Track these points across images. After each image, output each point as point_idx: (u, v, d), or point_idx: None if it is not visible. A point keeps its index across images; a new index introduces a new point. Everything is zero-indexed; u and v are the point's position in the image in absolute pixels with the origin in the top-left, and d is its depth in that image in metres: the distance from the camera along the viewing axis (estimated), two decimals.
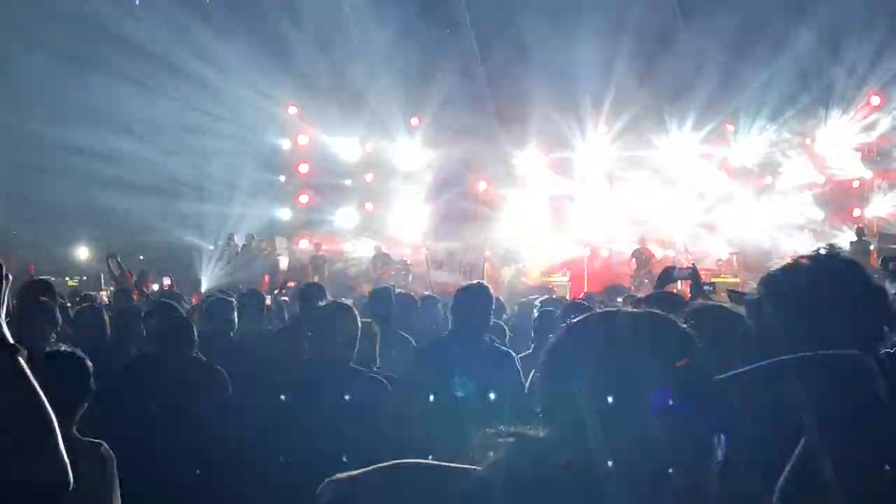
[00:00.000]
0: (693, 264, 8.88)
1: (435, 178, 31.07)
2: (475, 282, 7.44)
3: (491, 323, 7.24)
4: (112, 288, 19.91)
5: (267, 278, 26.72)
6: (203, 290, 25.53)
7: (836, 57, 25.96)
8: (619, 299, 11.61)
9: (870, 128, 27.73)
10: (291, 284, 21.69)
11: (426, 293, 14.47)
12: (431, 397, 6.19)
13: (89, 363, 4.64)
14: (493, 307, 7.17)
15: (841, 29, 24.47)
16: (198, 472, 6.10)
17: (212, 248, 28.75)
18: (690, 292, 7.54)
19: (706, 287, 8.26)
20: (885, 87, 26.84)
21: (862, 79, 26.66)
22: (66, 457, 2.48)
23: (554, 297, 16.36)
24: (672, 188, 29.48)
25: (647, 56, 26.46)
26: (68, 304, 10.83)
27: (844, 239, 25.95)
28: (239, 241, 28.49)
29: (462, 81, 28.23)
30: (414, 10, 25.14)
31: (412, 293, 12.14)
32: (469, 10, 25.20)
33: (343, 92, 29.06)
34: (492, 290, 7.19)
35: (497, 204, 30.17)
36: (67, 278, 24.20)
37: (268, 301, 13.73)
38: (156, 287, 22.67)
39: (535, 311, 9.43)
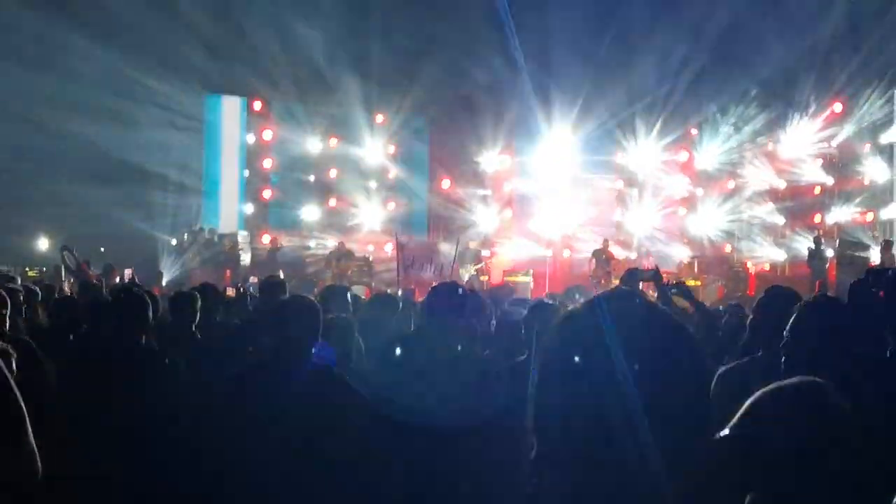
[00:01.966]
0: (656, 266, 8.95)
1: (398, 175, 31.11)
2: (449, 280, 7.37)
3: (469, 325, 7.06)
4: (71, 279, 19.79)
5: (228, 272, 26.67)
6: (164, 283, 25.46)
7: (800, 64, 26.16)
8: (580, 299, 11.71)
9: (831, 135, 27.98)
10: (254, 279, 21.66)
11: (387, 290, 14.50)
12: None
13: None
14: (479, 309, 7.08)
15: (804, 37, 24.64)
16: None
17: (174, 241, 28.64)
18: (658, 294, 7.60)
19: (672, 289, 8.31)
20: (847, 95, 27.08)
21: (825, 86, 26.89)
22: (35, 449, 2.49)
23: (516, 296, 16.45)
24: (635, 191, 29.68)
25: (614, 60, 26.57)
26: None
27: (804, 244, 26.21)
28: (201, 234, 28.39)
29: (427, 80, 28.23)
30: (381, 7, 25.13)
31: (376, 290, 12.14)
32: (435, 10, 25.19)
33: (308, 88, 29.01)
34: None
35: (461, 202, 30.22)
36: (28, 269, 24.01)
37: (230, 292, 13.71)
38: (117, 279, 22.60)
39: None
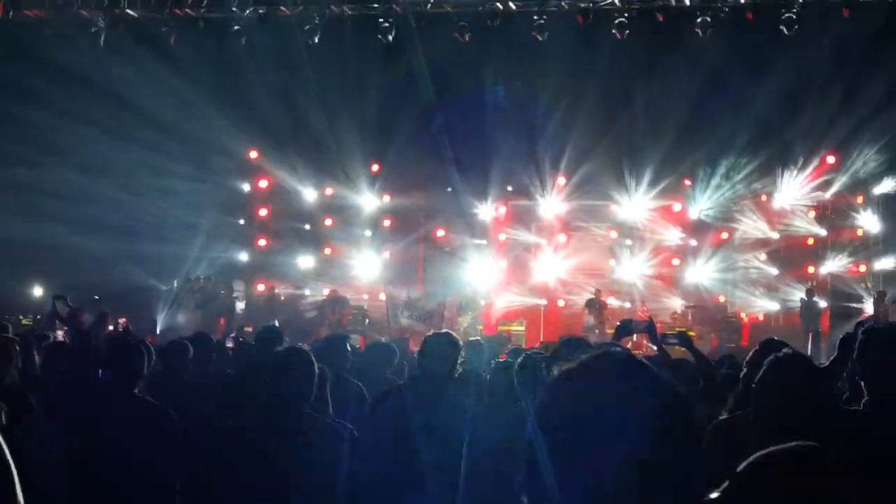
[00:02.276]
0: (650, 317, 8.95)
1: (393, 224, 31.18)
2: (443, 330, 7.37)
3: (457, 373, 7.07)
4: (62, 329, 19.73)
5: (223, 321, 26.66)
6: (159, 331, 25.43)
7: (793, 116, 26.31)
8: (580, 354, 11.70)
9: (824, 186, 28.09)
10: (248, 329, 21.64)
11: (382, 339, 14.51)
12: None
13: None
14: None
15: (798, 88, 24.80)
16: None
17: (168, 289, 28.60)
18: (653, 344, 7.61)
19: (674, 339, 8.33)
20: (840, 146, 27.23)
21: (817, 138, 27.04)
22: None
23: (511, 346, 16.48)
24: (629, 241, 29.76)
25: (607, 111, 26.71)
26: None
27: (798, 295, 26.27)
28: (196, 283, 28.37)
29: (422, 130, 28.37)
30: (376, 59, 25.27)
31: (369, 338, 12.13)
32: (431, 63, 25.36)
33: (304, 137, 29.11)
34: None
35: (456, 251, 30.27)
36: (22, 317, 23.95)
37: (229, 343, 13.70)
38: (111, 328, 22.54)
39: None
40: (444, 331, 7.32)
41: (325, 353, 8.29)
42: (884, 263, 27.01)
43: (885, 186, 27.26)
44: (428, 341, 6.99)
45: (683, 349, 8.05)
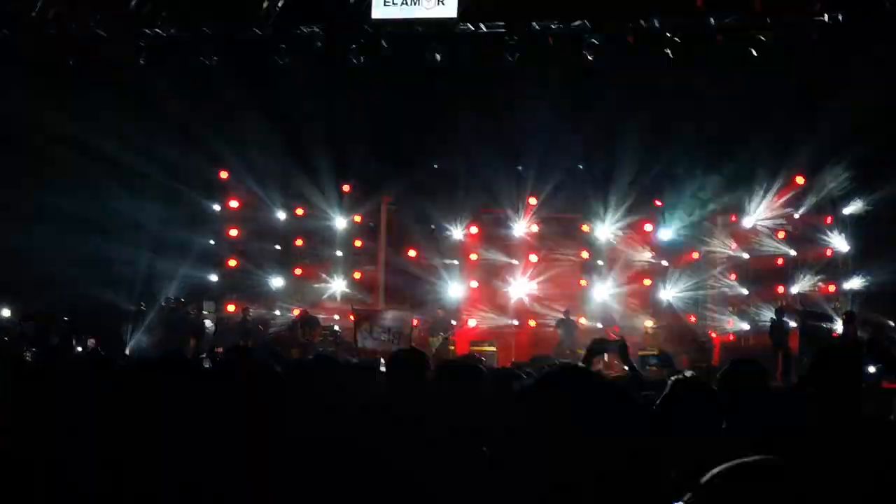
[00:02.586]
0: (622, 337, 8.98)
1: (364, 245, 31.17)
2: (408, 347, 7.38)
3: None
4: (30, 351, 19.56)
5: (193, 342, 26.54)
6: (128, 351, 25.29)
7: (763, 137, 26.47)
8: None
9: (794, 207, 28.25)
10: (219, 350, 21.55)
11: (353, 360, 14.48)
12: None
13: None
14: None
15: (767, 109, 24.97)
16: None
17: (138, 309, 28.42)
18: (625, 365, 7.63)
19: (654, 360, 8.36)
20: (809, 167, 27.41)
21: (787, 159, 27.22)
22: None
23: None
24: (600, 261, 29.83)
25: (581, 133, 26.79)
26: None
27: (769, 315, 26.37)
28: (166, 303, 28.23)
29: (395, 150, 28.43)
30: (347, 79, 25.27)
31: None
32: (405, 85, 25.44)
33: (275, 157, 29.07)
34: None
35: (427, 271, 30.26)
36: None
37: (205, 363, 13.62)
38: (80, 349, 22.43)
39: None
40: (409, 347, 7.32)
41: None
42: (853, 283, 27.17)
43: (854, 207, 27.43)
44: (396, 356, 7.00)
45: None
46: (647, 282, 29.63)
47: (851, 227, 27.78)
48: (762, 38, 21.88)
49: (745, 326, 28.30)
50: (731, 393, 5.70)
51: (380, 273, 31.18)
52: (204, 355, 19.40)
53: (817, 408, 5.81)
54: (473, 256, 30.67)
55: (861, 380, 5.06)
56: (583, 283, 29.92)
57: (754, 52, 21.99)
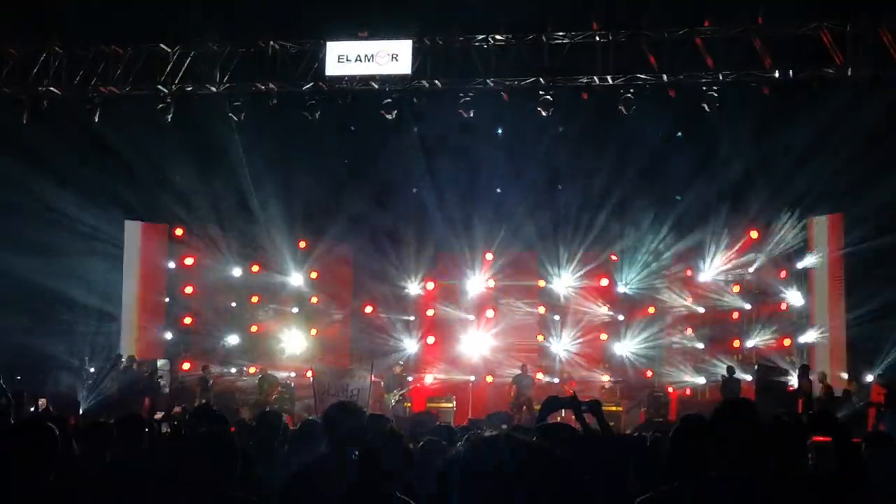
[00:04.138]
0: (573, 393, 8.95)
1: (321, 301, 31.07)
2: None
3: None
4: None
5: (147, 401, 26.26)
6: (81, 412, 24.97)
7: (716, 193, 26.74)
8: (504, 426, 11.71)
9: (748, 262, 28.49)
10: (177, 409, 21.36)
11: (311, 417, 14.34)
12: None
13: None
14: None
15: (720, 164, 25.25)
16: None
17: (92, 369, 28.12)
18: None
19: (584, 406, 8.29)
20: (763, 222, 27.71)
21: (741, 214, 27.51)
22: None
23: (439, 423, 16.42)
24: (557, 316, 29.88)
25: (536, 187, 26.96)
26: None
27: (724, 369, 26.45)
28: (119, 362, 27.92)
29: (352, 208, 28.48)
30: (303, 137, 25.33)
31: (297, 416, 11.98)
32: (360, 141, 25.58)
33: (229, 215, 29.01)
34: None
35: (384, 328, 30.21)
36: None
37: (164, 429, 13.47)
38: (31, 409, 22.13)
39: None
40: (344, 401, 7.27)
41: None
42: (808, 337, 27.36)
43: (808, 261, 27.70)
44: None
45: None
46: (603, 336, 29.70)
47: (805, 281, 28.03)
48: (714, 93, 22.11)
49: (702, 381, 28.38)
50: (682, 449, 5.70)
51: (337, 330, 31.06)
52: (161, 415, 19.26)
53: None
54: (430, 312, 30.64)
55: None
56: (539, 338, 29.94)
57: (707, 108, 22.20)
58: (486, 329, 30.00)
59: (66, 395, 25.90)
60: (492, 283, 30.10)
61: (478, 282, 30.02)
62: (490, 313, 30.11)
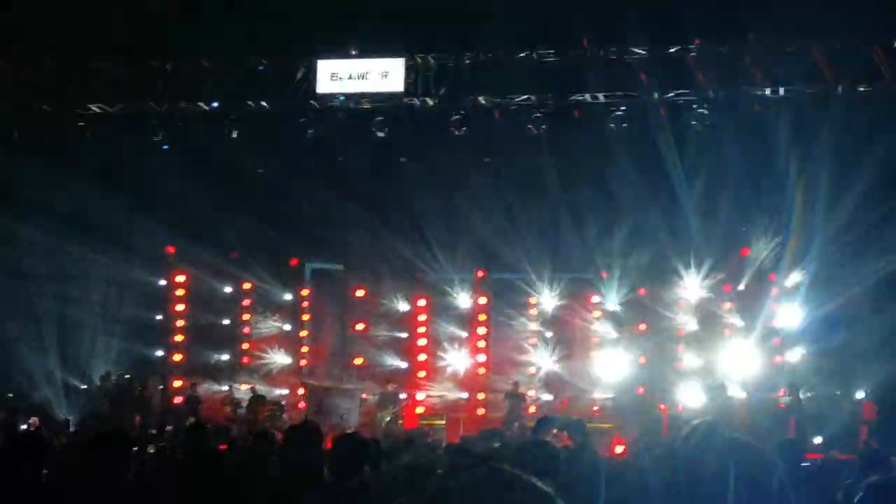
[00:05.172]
0: (566, 414, 8.98)
1: (312, 318, 31.00)
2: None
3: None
4: None
5: (138, 418, 26.20)
6: (72, 429, 24.91)
7: (710, 207, 26.67)
8: (496, 445, 11.69)
9: (737, 278, 28.47)
10: (168, 428, 21.34)
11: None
12: None
13: None
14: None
15: (717, 180, 25.20)
16: None
17: (84, 386, 28.09)
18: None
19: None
20: (752, 242, 27.73)
21: (731, 231, 27.54)
22: None
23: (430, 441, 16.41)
24: (550, 333, 29.77)
25: (526, 203, 26.93)
26: None
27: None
28: (111, 379, 27.86)
29: (342, 223, 28.47)
30: (297, 154, 25.41)
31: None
32: (350, 156, 25.64)
33: (222, 231, 28.94)
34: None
35: (376, 345, 30.15)
36: None
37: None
38: (24, 426, 22.08)
39: None
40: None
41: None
42: (795, 354, 27.33)
43: (795, 278, 27.67)
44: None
45: None
46: (595, 353, 29.60)
47: (795, 297, 28.00)
48: (705, 111, 22.19)
49: (694, 397, 28.28)
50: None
51: (328, 347, 31.01)
52: (154, 432, 19.26)
53: None
54: (422, 329, 30.55)
55: None
56: (532, 355, 29.81)
57: (697, 126, 22.27)
58: (478, 346, 29.92)
59: (59, 413, 25.89)
60: (483, 301, 30.04)
61: (471, 299, 29.97)
62: (482, 330, 30.03)
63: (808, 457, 7.04)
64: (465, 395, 29.23)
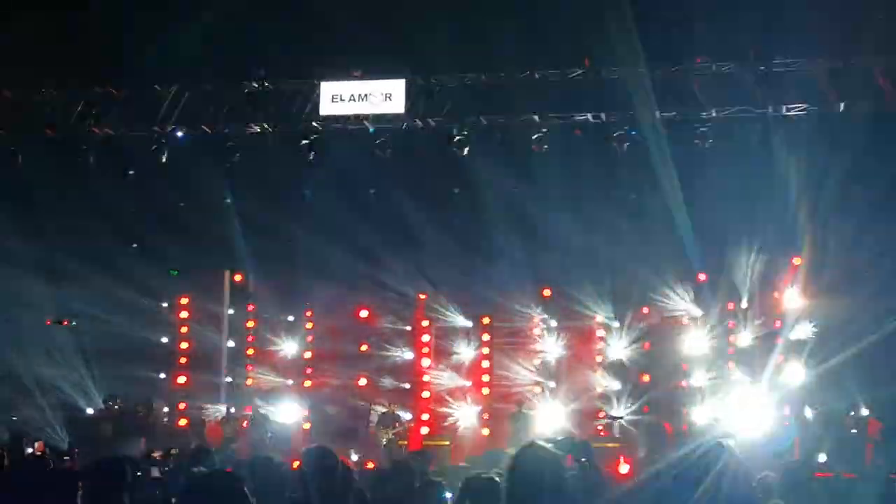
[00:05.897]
0: (585, 441, 8.94)
1: (315, 340, 30.84)
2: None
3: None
4: None
5: (143, 441, 26.17)
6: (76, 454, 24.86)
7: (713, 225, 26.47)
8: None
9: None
10: (174, 451, 21.29)
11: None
12: None
13: None
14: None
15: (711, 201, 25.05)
16: None
17: (89, 410, 28.06)
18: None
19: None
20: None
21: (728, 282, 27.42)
22: None
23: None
24: (553, 357, 29.41)
25: (521, 245, 26.61)
26: None
27: None
28: (115, 402, 27.82)
29: (347, 242, 28.41)
30: (299, 176, 25.48)
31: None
32: (353, 178, 25.64)
33: (225, 255, 28.92)
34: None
35: (380, 365, 30.04)
36: None
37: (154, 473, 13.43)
38: (29, 451, 22.05)
39: None
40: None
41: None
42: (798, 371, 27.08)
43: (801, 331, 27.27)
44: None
45: None
46: (599, 374, 29.32)
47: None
48: (706, 129, 22.20)
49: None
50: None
51: (332, 373, 30.81)
52: (159, 454, 19.22)
53: None
54: (425, 350, 30.38)
55: None
56: (537, 376, 29.48)
57: (699, 143, 22.28)
58: (485, 367, 29.76)
59: (63, 438, 25.86)
60: (487, 321, 29.91)
61: (474, 320, 29.90)
62: (486, 350, 29.89)
63: (816, 475, 7.02)
64: (469, 415, 28.98)
